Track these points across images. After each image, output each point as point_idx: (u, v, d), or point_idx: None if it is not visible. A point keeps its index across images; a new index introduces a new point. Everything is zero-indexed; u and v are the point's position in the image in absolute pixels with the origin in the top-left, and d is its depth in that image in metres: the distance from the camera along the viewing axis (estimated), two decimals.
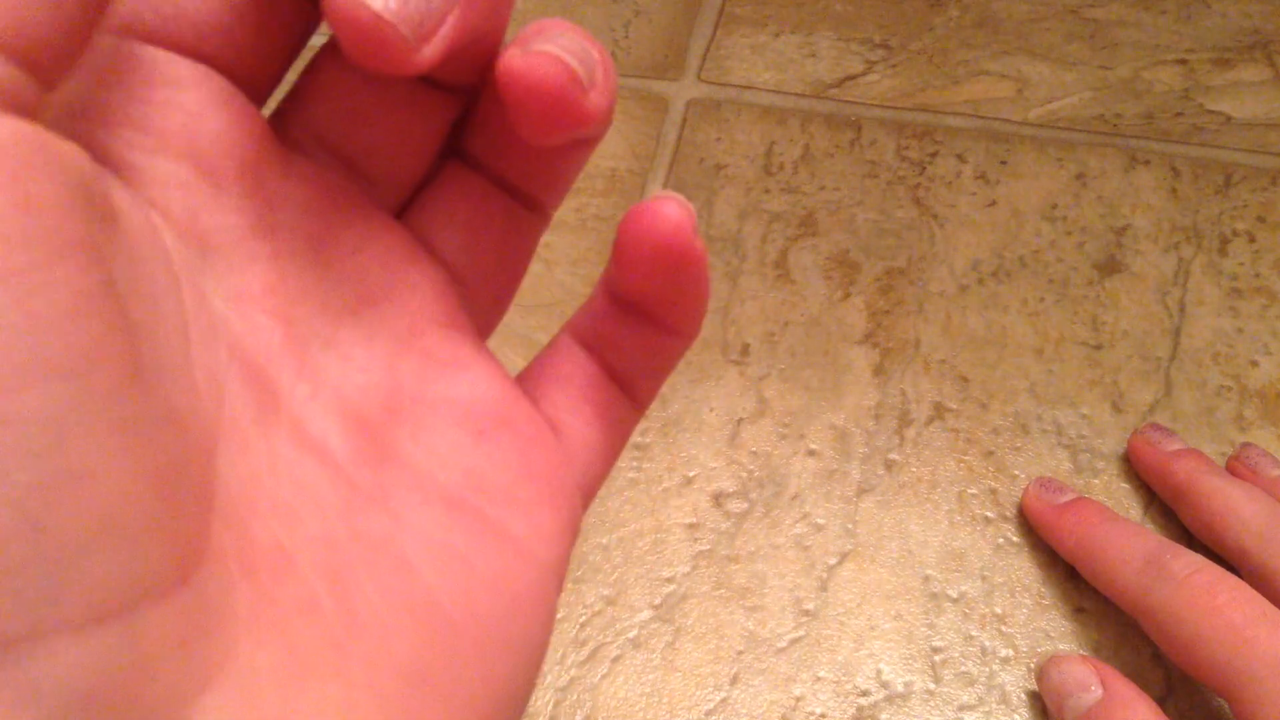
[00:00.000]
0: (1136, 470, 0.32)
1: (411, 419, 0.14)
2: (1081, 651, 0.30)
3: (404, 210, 0.16)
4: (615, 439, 0.17)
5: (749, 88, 0.43)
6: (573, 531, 0.16)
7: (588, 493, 0.17)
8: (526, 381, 0.17)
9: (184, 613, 0.11)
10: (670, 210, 0.15)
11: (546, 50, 0.13)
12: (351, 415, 0.14)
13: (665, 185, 0.40)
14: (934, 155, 0.40)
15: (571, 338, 0.17)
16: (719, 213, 0.39)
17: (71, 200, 0.10)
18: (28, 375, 0.09)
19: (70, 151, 0.10)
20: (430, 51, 0.12)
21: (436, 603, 0.13)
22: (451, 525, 0.14)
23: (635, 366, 0.17)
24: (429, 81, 0.15)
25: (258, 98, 0.14)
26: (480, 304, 0.17)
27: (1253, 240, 0.38)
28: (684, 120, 0.42)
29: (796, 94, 0.42)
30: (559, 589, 0.15)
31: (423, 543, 0.14)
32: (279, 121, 0.15)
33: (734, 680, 0.30)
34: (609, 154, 0.41)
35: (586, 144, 0.16)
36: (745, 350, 0.36)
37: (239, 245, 0.13)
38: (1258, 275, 0.37)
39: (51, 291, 0.09)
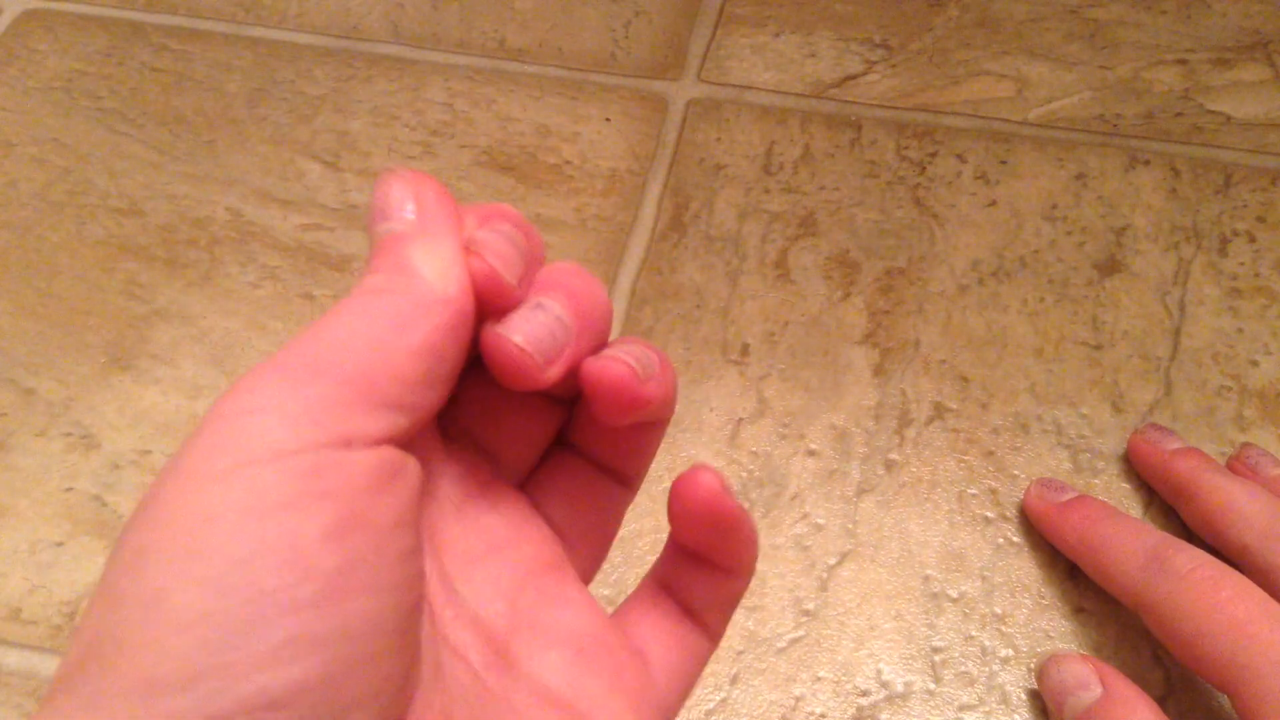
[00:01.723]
0: (1137, 469, 0.32)
1: (527, 638, 0.18)
2: (1082, 651, 0.29)
3: (523, 484, 0.21)
4: (692, 667, 0.21)
5: (749, 88, 0.43)
6: None
7: (668, 714, 0.20)
8: (618, 618, 0.21)
9: None
10: (705, 479, 0.19)
11: (613, 354, 0.18)
12: (483, 633, 0.18)
13: (665, 185, 0.40)
14: (934, 155, 0.40)
15: (652, 581, 0.21)
16: (719, 213, 0.39)
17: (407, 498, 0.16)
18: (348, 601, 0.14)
19: (413, 465, 0.16)
20: (553, 374, 0.17)
21: None
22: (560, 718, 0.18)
23: (703, 603, 0.21)
24: (544, 393, 0.19)
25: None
26: (580, 557, 0.21)
27: (1253, 240, 0.38)
28: (684, 120, 0.42)
29: (796, 94, 0.42)
30: None
31: None
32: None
33: (734, 680, 0.30)
34: (609, 154, 0.41)
35: (657, 425, 0.21)
36: (745, 350, 0.36)
37: None
38: (1258, 275, 0.37)
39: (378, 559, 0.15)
